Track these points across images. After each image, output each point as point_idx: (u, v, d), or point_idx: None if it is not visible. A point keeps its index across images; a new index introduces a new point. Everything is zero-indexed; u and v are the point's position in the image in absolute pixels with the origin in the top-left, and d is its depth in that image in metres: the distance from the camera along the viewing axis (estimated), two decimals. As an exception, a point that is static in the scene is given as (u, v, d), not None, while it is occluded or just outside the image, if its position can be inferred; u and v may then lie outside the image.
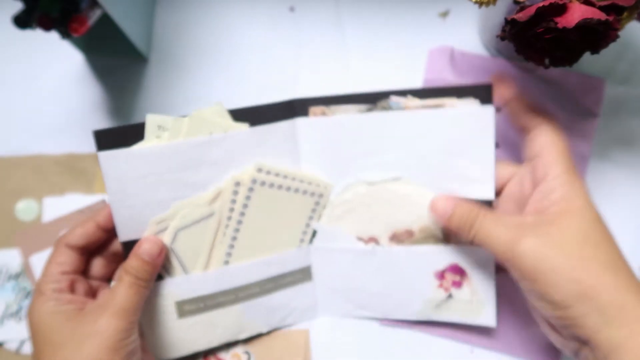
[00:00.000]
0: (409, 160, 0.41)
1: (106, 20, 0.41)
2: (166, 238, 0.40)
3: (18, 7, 0.39)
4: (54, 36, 0.42)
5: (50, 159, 0.48)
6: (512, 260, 0.33)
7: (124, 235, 0.39)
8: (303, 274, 0.44)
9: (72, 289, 0.37)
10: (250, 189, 0.41)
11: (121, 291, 0.36)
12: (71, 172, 0.48)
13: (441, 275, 0.42)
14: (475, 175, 0.40)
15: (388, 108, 0.40)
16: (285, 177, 0.42)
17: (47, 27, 0.39)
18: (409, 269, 0.42)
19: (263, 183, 0.41)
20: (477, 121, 0.39)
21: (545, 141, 0.35)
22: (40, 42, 0.50)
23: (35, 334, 0.35)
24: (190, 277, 0.41)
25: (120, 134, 0.37)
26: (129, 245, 0.39)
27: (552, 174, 0.34)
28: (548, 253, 0.32)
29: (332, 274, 0.44)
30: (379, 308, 0.44)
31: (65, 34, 0.40)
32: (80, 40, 0.49)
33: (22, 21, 0.38)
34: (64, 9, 0.39)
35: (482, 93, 0.39)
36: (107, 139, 0.37)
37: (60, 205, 0.47)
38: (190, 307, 0.41)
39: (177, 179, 0.39)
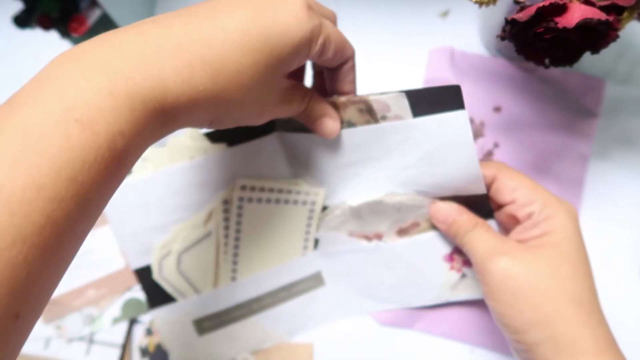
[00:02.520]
0: (394, 172, 0.38)
1: (106, 20, 0.41)
2: (171, 263, 0.41)
3: (18, 7, 0.39)
4: (53, 36, 0.42)
5: (50, 159, 0.48)
6: (483, 274, 0.33)
7: (134, 263, 0.42)
8: (315, 280, 0.45)
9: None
10: (240, 207, 0.41)
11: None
12: (71, 172, 0.47)
13: (450, 258, 0.42)
14: (463, 175, 0.37)
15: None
16: (271, 190, 0.41)
17: (46, 26, 0.39)
18: (417, 259, 0.42)
19: (250, 199, 0.41)
20: (452, 125, 0.34)
21: (514, 183, 0.36)
22: (40, 42, 0.50)
23: None
24: (202, 295, 0.43)
25: None
26: (142, 272, 0.42)
27: (535, 213, 0.34)
28: (516, 276, 0.32)
29: (345, 275, 0.45)
30: (398, 299, 0.44)
31: (65, 33, 0.40)
32: (80, 40, 0.49)
33: (22, 21, 0.38)
34: (63, 9, 0.39)
35: (451, 98, 0.34)
36: None
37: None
38: (208, 324, 0.43)
39: (171, 203, 0.40)
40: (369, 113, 0.34)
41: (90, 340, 0.45)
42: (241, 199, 0.41)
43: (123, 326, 0.45)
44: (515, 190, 0.35)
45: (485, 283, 0.33)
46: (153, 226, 0.41)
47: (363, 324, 0.45)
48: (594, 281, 0.33)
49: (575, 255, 0.33)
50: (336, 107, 0.34)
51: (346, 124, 0.35)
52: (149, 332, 0.45)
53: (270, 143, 0.40)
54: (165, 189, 0.40)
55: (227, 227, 0.41)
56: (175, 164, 0.40)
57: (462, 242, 0.36)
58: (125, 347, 0.45)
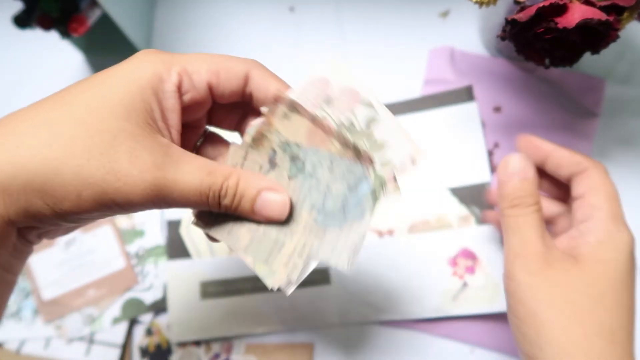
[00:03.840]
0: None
1: (106, 20, 0.41)
2: None
3: (18, 7, 0.39)
4: (53, 36, 0.42)
5: (50, 159, 0.48)
6: (511, 268, 0.30)
7: (169, 214, 0.47)
8: (321, 276, 0.45)
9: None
10: None
11: (192, 182, 0.26)
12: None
13: (454, 262, 0.43)
14: (471, 163, 0.45)
15: None
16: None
17: (47, 27, 0.39)
18: (422, 257, 0.43)
19: None
20: (464, 116, 0.45)
21: (594, 182, 0.32)
22: (40, 42, 0.50)
23: None
24: (216, 259, 0.45)
25: None
26: (171, 224, 0.46)
27: (596, 217, 0.31)
28: (550, 295, 0.28)
29: (350, 276, 0.45)
30: (398, 308, 0.44)
31: (65, 33, 0.40)
32: (80, 40, 0.49)
33: (22, 21, 0.38)
34: (63, 9, 0.39)
35: (464, 94, 0.47)
36: None
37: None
38: (212, 289, 0.45)
39: None
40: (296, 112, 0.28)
41: (91, 340, 0.45)
42: None
43: (123, 326, 0.45)
44: (598, 187, 0.32)
45: (510, 277, 0.30)
46: None
47: (363, 324, 0.45)
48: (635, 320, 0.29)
49: (622, 285, 0.29)
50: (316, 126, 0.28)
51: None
52: (149, 332, 0.45)
53: None
54: None
55: None
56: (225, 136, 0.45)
57: (509, 214, 0.31)
58: (125, 347, 0.45)
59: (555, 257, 0.30)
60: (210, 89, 0.26)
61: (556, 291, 0.28)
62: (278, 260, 0.26)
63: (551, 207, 0.36)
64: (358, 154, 0.26)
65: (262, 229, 0.26)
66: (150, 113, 0.24)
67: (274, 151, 0.27)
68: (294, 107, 0.27)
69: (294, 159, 0.27)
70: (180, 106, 0.26)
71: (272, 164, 0.27)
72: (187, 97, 0.26)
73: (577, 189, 0.33)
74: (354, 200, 0.26)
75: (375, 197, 0.26)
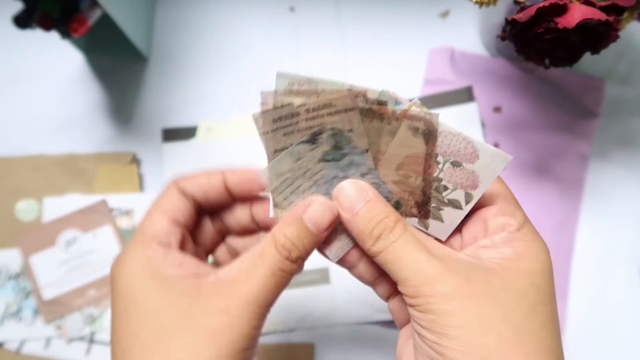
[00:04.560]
0: None
1: (106, 20, 0.41)
2: None
3: (18, 7, 0.39)
4: (54, 36, 0.42)
5: (50, 159, 0.48)
6: (424, 299, 0.24)
7: None
8: (321, 275, 0.45)
9: (182, 247, 0.28)
10: None
11: (260, 276, 0.26)
12: (71, 172, 0.48)
13: None
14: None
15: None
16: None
17: (47, 27, 0.39)
18: None
19: None
20: (464, 116, 0.45)
21: (499, 191, 0.28)
22: (40, 42, 0.50)
23: (124, 303, 0.26)
24: None
25: (179, 132, 0.48)
26: None
27: (511, 226, 0.26)
28: (478, 308, 0.24)
29: (349, 275, 0.45)
30: None
31: (66, 34, 0.40)
32: (80, 40, 0.49)
33: (22, 21, 0.38)
34: (64, 9, 0.39)
35: (464, 95, 0.47)
36: (169, 135, 0.48)
37: (60, 205, 0.47)
38: None
39: (216, 166, 0.46)
40: (425, 137, 0.27)
41: (91, 340, 0.45)
42: None
43: (123, 326, 0.45)
44: (496, 193, 0.27)
45: (425, 310, 0.24)
46: None
47: (363, 324, 0.45)
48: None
49: (550, 298, 0.25)
50: (384, 115, 0.27)
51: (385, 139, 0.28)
52: (149, 332, 0.45)
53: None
54: (216, 155, 0.48)
55: None
56: (230, 137, 0.48)
57: (374, 249, 0.26)
58: (126, 347, 0.45)
59: (470, 269, 0.25)
60: (199, 207, 0.29)
61: (488, 312, 0.24)
62: None
63: (372, 265, 0.29)
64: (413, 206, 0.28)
65: None
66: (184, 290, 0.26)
67: (323, 131, 0.27)
68: (416, 122, 0.26)
69: (337, 147, 0.27)
70: (195, 247, 0.30)
71: (314, 139, 0.27)
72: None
73: (486, 197, 0.28)
74: None
75: None
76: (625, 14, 0.33)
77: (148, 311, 0.25)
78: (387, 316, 0.45)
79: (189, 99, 0.50)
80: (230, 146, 0.48)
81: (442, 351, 0.23)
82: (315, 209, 0.26)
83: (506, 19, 0.34)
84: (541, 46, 0.36)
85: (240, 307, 0.25)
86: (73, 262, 0.46)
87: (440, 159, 0.27)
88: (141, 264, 0.26)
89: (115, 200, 0.47)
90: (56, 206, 0.47)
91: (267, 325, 0.45)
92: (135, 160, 0.48)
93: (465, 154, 0.26)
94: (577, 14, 0.31)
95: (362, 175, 0.27)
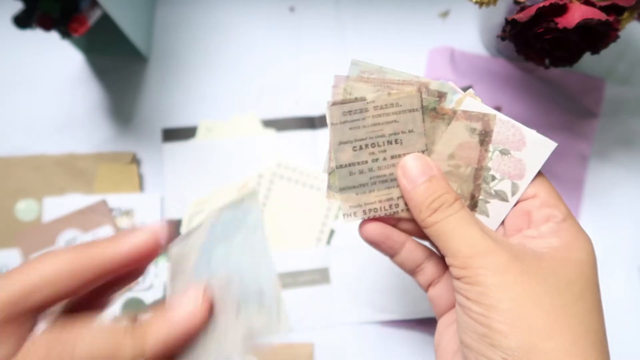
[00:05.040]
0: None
1: (106, 20, 0.41)
2: (199, 220, 0.45)
3: (18, 7, 0.39)
4: (54, 36, 0.42)
5: (50, 159, 0.48)
6: (471, 271, 0.25)
7: (170, 213, 0.47)
8: (321, 275, 0.45)
9: None
10: (271, 182, 0.47)
11: None
12: (71, 172, 0.48)
13: None
14: None
15: None
16: (301, 173, 0.47)
17: (47, 27, 0.39)
18: None
19: (282, 177, 0.47)
20: None
21: (541, 183, 0.28)
22: (40, 42, 0.50)
23: None
24: None
25: (179, 132, 0.49)
26: (172, 224, 0.46)
27: (557, 217, 0.27)
28: (526, 286, 0.24)
29: (350, 275, 0.45)
30: (398, 309, 0.45)
31: (66, 34, 0.40)
32: (80, 40, 0.49)
33: (22, 21, 0.38)
34: (64, 9, 0.39)
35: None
36: (169, 135, 0.48)
37: (60, 206, 0.47)
38: None
39: (216, 168, 0.48)
40: (481, 138, 0.28)
41: (91, 340, 0.45)
42: (274, 174, 0.47)
43: (123, 326, 0.45)
44: (538, 186, 0.28)
45: (475, 282, 0.25)
46: (196, 183, 0.47)
47: (363, 324, 0.45)
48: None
49: (596, 287, 0.26)
50: (441, 114, 0.28)
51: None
52: (149, 332, 0.45)
53: (312, 135, 0.48)
54: (216, 155, 0.48)
55: None
56: (230, 137, 0.48)
57: (428, 221, 0.27)
58: (126, 347, 0.45)
59: (520, 251, 0.25)
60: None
61: (537, 290, 0.24)
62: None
63: (414, 252, 0.31)
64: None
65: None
66: None
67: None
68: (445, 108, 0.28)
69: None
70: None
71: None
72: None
73: (528, 190, 0.29)
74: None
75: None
76: (625, 14, 0.33)
77: None
78: (387, 316, 0.45)
79: (189, 99, 0.50)
80: (230, 146, 0.48)
81: (489, 323, 0.24)
82: (186, 308, 0.24)
83: (506, 19, 0.34)
84: (541, 46, 0.36)
85: None
86: (73, 262, 0.46)
87: (490, 147, 0.28)
88: None
89: (115, 200, 0.47)
90: (56, 206, 0.47)
91: (267, 325, 0.45)
92: (135, 160, 0.48)
93: (514, 141, 0.28)
94: (577, 14, 0.31)
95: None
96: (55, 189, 0.47)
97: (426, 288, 0.31)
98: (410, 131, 0.28)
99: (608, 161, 0.48)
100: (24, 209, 0.47)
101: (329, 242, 0.46)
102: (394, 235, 0.30)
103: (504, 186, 0.28)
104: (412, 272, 0.31)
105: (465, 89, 0.50)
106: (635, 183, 0.47)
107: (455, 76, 0.49)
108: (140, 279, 0.45)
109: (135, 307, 0.45)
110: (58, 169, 0.48)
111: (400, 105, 0.28)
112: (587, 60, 0.48)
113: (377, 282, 0.45)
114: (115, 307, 0.45)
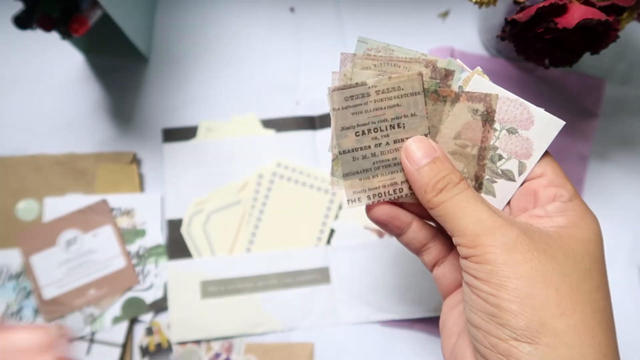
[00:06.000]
0: None
1: (106, 20, 0.41)
2: (200, 220, 0.46)
3: (18, 7, 0.39)
4: (54, 36, 0.42)
5: (50, 159, 0.48)
6: (480, 250, 0.24)
7: (170, 213, 0.47)
8: (321, 275, 0.45)
9: None
10: (271, 181, 0.47)
11: None
12: (72, 172, 0.48)
13: None
14: None
15: None
16: (301, 172, 0.47)
17: (47, 27, 0.39)
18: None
19: (282, 176, 0.47)
20: None
21: (548, 163, 0.28)
22: (40, 42, 0.50)
23: None
24: (216, 258, 0.46)
25: (179, 132, 0.48)
26: (173, 224, 0.46)
27: (563, 196, 0.27)
28: (535, 263, 0.24)
29: (351, 277, 0.45)
30: (398, 308, 0.45)
31: (66, 34, 0.40)
32: (80, 40, 0.49)
33: (23, 21, 0.38)
34: (64, 10, 0.39)
35: None
36: (169, 135, 0.48)
37: (61, 205, 0.47)
38: (213, 288, 0.45)
39: (217, 167, 0.48)
40: (483, 119, 0.28)
41: (91, 340, 0.45)
42: (274, 174, 0.47)
43: (124, 326, 0.45)
44: (545, 165, 0.28)
45: (483, 261, 0.24)
46: (196, 183, 0.47)
47: (363, 324, 0.45)
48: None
49: (602, 266, 0.26)
50: (444, 95, 0.28)
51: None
52: (149, 331, 0.45)
53: (311, 136, 0.48)
54: (216, 155, 0.48)
55: (255, 199, 0.47)
56: (231, 137, 0.48)
57: (434, 201, 0.27)
58: (126, 346, 0.45)
59: (528, 228, 0.25)
60: None
61: (546, 268, 0.24)
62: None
63: (420, 231, 0.30)
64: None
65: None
66: None
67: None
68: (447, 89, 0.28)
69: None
70: None
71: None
72: None
73: (534, 169, 0.29)
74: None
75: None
76: (625, 14, 0.33)
77: None
78: (387, 316, 0.45)
79: (189, 99, 0.50)
80: (230, 146, 0.48)
81: (498, 303, 0.24)
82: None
83: (506, 19, 0.34)
84: (541, 46, 0.36)
85: None
86: (73, 262, 0.46)
87: (497, 125, 0.28)
88: None
89: (116, 200, 0.47)
90: (57, 206, 0.47)
91: (268, 325, 0.45)
92: (135, 160, 0.48)
93: (522, 120, 0.28)
94: (577, 14, 0.31)
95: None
96: (56, 189, 0.47)
97: (431, 268, 0.31)
98: (413, 115, 0.28)
99: (608, 161, 0.48)
100: (25, 208, 0.47)
101: (329, 242, 0.46)
102: (401, 215, 0.30)
103: (511, 165, 0.28)
104: (418, 251, 0.31)
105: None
106: (635, 183, 0.47)
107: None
108: (140, 278, 0.45)
109: (135, 307, 0.45)
110: (58, 169, 0.48)
111: (402, 89, 0.28)
112: (587, 60, 0.48)
113: (377, 282, 0.45)
114: (115, 307, 0.45)
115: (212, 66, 0.51)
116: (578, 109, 0.48)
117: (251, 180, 0.47)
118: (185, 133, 0.49)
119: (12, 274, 0.46)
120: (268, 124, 0.49)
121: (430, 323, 0.45)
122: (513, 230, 0.25)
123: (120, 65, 0.50)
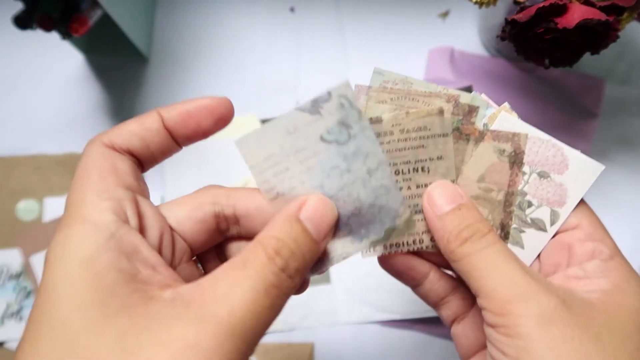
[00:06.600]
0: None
1: (106, 20, 0.41)
2: None
3: (18, 7, 0.39)
4: (54, 36, 0.42)
5: (51, 159, 0.48)
6: (514, 317, 0.21)
7: None
8: (321, 275, 0.45)
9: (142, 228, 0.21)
10: None
11: (247, 293, 0.18)
12: (72, 172, 0.48)
13: None
14: None
15: None
16: None
17: (47, 27, 0.39)
18: None
19: None
20: None
21: (584, 212, 0.25)
22: (40, 42, 0.50)
23: (45, 310, 0.18)
24: None
25: None
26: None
27: (604, 254, 0.24)
28: (571, 340, 0.20)
29: (350, 275, 0.45)
30: (398, 308, 0.45)
31: (66, 34, 0.40)
32: (80, 40, 0.49)
33: (23, 21, 0.38)
34: (64, 10, 0.39)
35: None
36: None
37: (61, 206, 0.46)
38: None
39: (216, 167, 0.48)
40: (511, 160, 0.25)
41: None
42: None
43: (124, 326, 0.45)
44: (581, 215, 0.25)
45: (513, 334, 0.20)
46: (196, 183, 0.46)
47: (363, 324, 0.45)
48: None
49: None
50: (468, 133, 0.25)
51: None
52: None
53: None
54: (216, 155, 0.48)
55: None
56: (231, 137, 0.45)
57: (458, 254, 0.23)
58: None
59: (568, 296, 0.21)
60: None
61: (589, 349, 0.20)
62: None
63: (438, 283, 0.27)
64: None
65: None
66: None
67: (331, 98, 0.22)
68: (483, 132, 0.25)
69: (343, 123, 0.22)
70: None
71: (315, 107, 0.22)
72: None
73: (569, 219, 0.25)
74: (357, 220, 0.23)
75: (386, 236, 0.24)
76: (625, 14, 0.33)
77: (72, 334, 0.17)
78: (387, 316, 0.45)
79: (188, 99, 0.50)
80: (230, 146, 0.48)
81: None
82: (315, 206, 0.21)
83: (506, 19, 0.34)
84: (541, 46, 0.36)
85: (217, 339, 0.17)
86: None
87: (526, 168, 0.25)
88: (74, 247, 0.18)
89: (116, 200, 0.47)
90: (57, 206, 0.47)
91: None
92: (135, 160, 0.48)
93: (554, 163, 0.25)
94: (577, 14, 0.31)
95: (369, 173, 0.23)
96: (56, 189, 0.47)
97: (450, 324, 0.27)
98: (439, 158, 0.25)
99: (608, 161, 0.48)
100: (25, 208, 0.47)
101: None
102: (417, 265, 0.26)
103: (542, 214, 0.25)
104: (436, 305, 0.27)
105: (466, 89, 0.50)
106: (635, 183, 0.47)
107: (455, 76, 0.49)
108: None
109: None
110: (58, 169, 0.48)
111: (429, 129, 0.24)
112: (587, 60, 0.48)
113: (377, 282, 0.45)
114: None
115: (212, 66, 0.50)
116: (578, 109, 0.48)
117: (251, 180, 0.47)
118: None
119: (13, 273, 0.46)
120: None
121: (430, 323, 0.45)
122: (551, 299, 0.21)
123: (120, 65, 0.50)
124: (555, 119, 0.48)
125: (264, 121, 0.49)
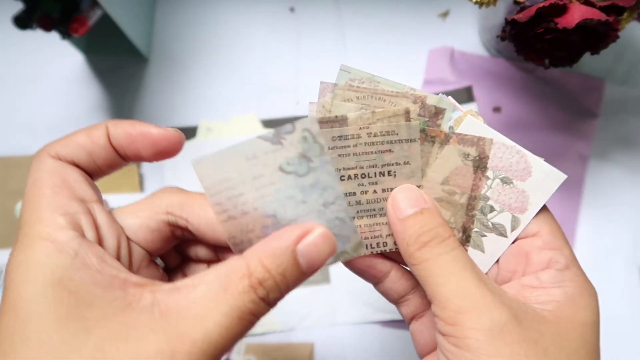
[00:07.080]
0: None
1: (106, 20, 0.41)
2: None
3: (18, 7, 0.39)
4: (54, 36, 0.42)
5: (50, 159, 0.48)
6: (464, 329, 0.21)
7: None
8: (322, 275, 0.45)
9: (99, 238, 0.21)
10: None
11: (223, 317, 0.18)
12: (71, 172, 0.48)
13: None
14: None
15: None
16: None
17: (47, 27, 0.39)
18: None
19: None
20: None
21: (545, 220, 0.25)
22: (40, 42, 0.50)
23: (12, 323, 0.18)
24: None
25: None
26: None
27: (560, 263, 0.23)
28: (521, 354, 0.21)
29: (350, 275, 0.44)
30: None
31: (66, 34, 0.40)
32: (80, 40, 0.49)
33: (23, 21, 0.38)
34: (64, 10, 0.39)
35: (464, 95, 0.48)
36: None
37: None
38: None
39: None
40: (475, 165, 0.25)
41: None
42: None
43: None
44: (541, 223, 0.25)
45: (462, 346, 0.21)
46: (196, 183, 0.47)
47: (363, 324, 0.45)
48: None
49: (596, 355, 0.23)
50: (433, 136, 0.25)
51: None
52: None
53: None
54: None
55: None
56: (231, 137, 0.48)
57: (416, 259, 0.23)
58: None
59: (520, 309, 0.22)
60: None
61: (536, 353, 0.20)
62: None
63: (399, 282, 0.27)
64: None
65: None
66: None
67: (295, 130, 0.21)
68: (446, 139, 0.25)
69: (304, 156, 0.22)
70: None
71: (277, 136, 0.21)
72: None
73: (529, 226, 0.25)
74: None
75: (335, 259, 0.24)
76: (625, 14, 0.33)
77: (49, 348, 0.17)
78: (387, 316, 0.45)
79: (189, 99, 0.50)
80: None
81: None
82: (315, 242, 0.20)
83: (506, 19, 0.34)
84: (541, 46, 0.36)
85: (190, 357, 0.17)
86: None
87: (490, 173, 0.25)
88: (41, 268, 0.18)
89: (116, 200, 0.47)
90: (56, 206, 0.47)
91: (268, 325, 0.45)
92: (135, 160, 0.48)
93: (518, 169, 0.25)
94: (577, 14, 0.31)
95: (325, 205, 0.22)
96: (56, 189, 0.47)
97: (409, 321, 0.28)
98: (406, 163, 0.25)
99: (608, 161, 0.48)
100: (24, 209, 0.47)
101: None
102: (378, 264, 0.27)
103: (504, 219, 0.25)
104: (395, 302, 0.28)
105: (466, 89, 0.49)
106: (635, 183, 0.47)
107: (455, 76, 0.49)
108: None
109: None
110: (58, 169, 0.48)
111: (397, 134, 0.25)
112: (587, 60, 0.48)
113: None
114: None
115: (212, 66, 0.50)
116: (578, 109, 0.48)
117: None
118: (185, 133, 0.49)
119: (12, 274, 0.46)
120: (268, 124, 0.49)
121: (430, 323, 0.45)
122: (502, 313, 0.21)
123: (120, 65, 0.50)
124: (555, 119, 0.48)
125: (264, 121, 0.49)
